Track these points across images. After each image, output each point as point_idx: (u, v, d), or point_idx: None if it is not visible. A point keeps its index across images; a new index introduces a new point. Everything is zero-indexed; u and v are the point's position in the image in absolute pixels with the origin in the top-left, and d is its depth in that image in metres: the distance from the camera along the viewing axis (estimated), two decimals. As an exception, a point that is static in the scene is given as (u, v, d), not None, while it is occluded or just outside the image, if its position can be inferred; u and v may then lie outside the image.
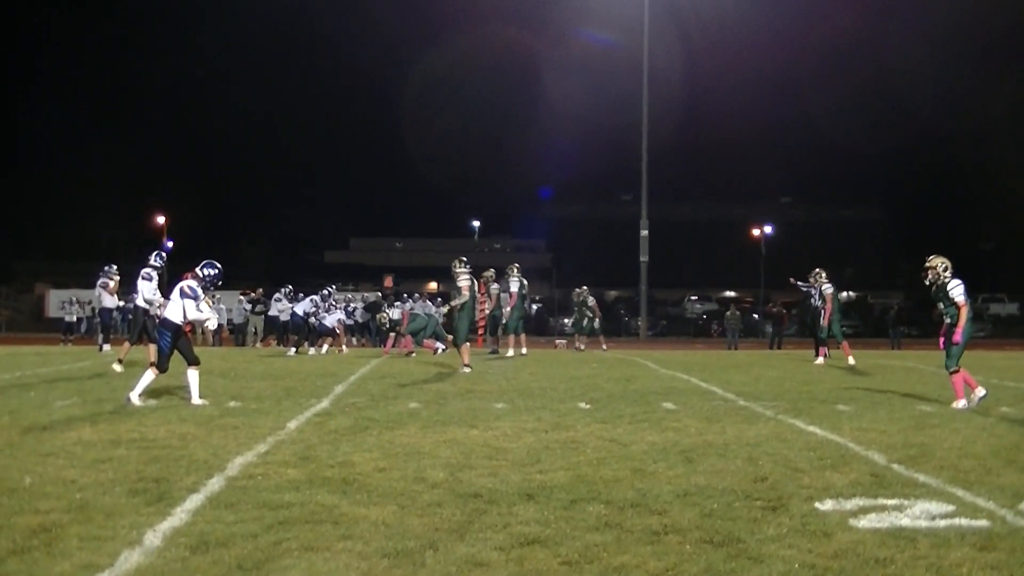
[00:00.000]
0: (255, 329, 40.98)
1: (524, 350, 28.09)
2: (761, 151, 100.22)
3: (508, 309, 28.42)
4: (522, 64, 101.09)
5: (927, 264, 14.93)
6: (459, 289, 21.94)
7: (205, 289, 14.93)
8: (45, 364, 23.02)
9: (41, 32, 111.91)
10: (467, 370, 20.76)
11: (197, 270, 14.86)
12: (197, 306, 14.44)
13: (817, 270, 26.28)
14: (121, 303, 29.87)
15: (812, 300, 29.71)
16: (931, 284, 14.87)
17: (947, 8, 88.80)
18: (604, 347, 35.11)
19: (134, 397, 13.99)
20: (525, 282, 28.78)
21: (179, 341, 14.43)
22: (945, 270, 14.73)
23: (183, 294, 14.38)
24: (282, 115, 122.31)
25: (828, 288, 25.63)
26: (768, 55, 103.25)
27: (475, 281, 22.26)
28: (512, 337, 28.54)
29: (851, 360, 24.66)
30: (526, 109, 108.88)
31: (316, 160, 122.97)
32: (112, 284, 28.78)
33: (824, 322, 25.53)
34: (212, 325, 15.33)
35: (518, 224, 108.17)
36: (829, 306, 25.24)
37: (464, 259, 22.29)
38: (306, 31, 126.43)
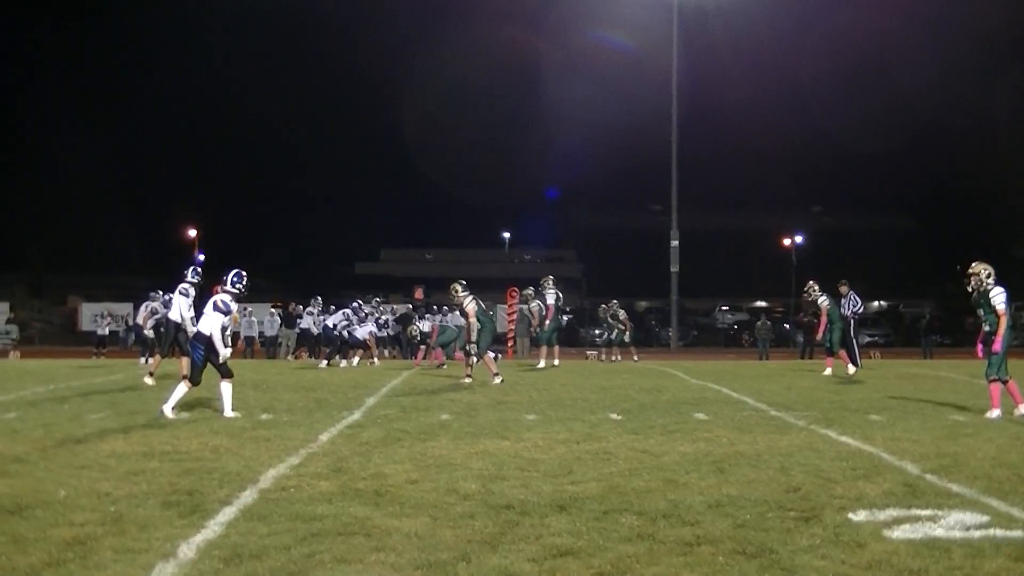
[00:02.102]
0: (287, 342, 41.05)
1: (556, 361, 28.05)
2: (792, 160, 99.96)
3: (546, 321, 28.42)
4: (547, 74, 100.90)
5: (970, 271, 14.82)
6: (466, 315, 21.89)
7: (238, 299, 14.98)
8: (78, 377, 23.12)
9: (74, 48, 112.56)
10: (498, 380, 20.89)
11: (228, 285, 14.87)
12: (225, 320, 14.52)
13: (811, 283, 25.83)
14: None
15: (841, 310, 29.60)
16: (973, 290, 14.76)
17: (979, 17, 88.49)
18: (635, 358, 35.04)
19: (167, 410, 14.04)
20: (560, 294, 28.72)
21: (212, 354, 14.45)
22: (988, 276, 14.62)
23: (215, 307, 14.43)
24: (312, 129, 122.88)
25: (824, 300, 25.20)
26: (798, 64, 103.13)
27: (478, 300, 22.15)
28: (544, 348, 28.51)
29: (828, 371, 24.49)
30: (552, 119, 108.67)
31: (346, 172, 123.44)
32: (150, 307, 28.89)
33: (819, 334, 25.23)
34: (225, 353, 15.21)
35: (547, 233, 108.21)
36: (823, 318, 24.94)
37: (463, 282, 22.35)
38: (337, 44, 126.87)
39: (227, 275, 15.06)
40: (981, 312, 14.68)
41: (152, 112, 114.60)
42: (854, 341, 28.93)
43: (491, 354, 26.68)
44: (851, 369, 23.67)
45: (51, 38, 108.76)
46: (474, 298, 21.86)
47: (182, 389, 14.40)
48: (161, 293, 28.83)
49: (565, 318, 62.47)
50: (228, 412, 14.30)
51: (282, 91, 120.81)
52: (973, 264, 14.84)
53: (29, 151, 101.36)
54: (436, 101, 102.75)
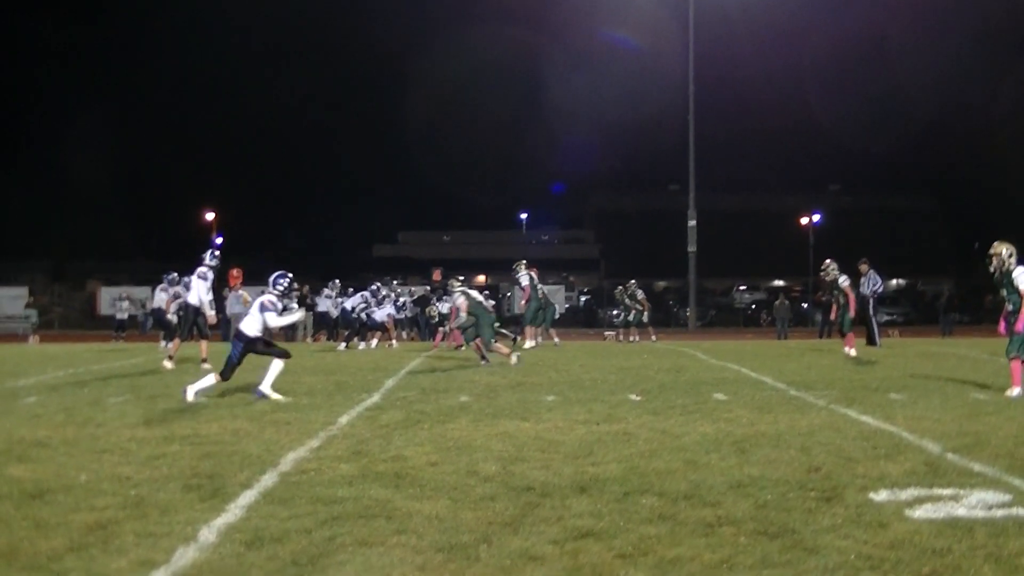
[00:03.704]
0: (304, 325, 41.13)
1: (531, 343, 28.06)
2: (809, 139, 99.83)
3: (523, 302, 28.56)
4: (569, 59, 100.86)
5: (991, 251, 14.72)
6: (459, 308, 22.06)
7: (284, 297, 15.02)
8: (98, 361, 23.19)
9: (94, 34, 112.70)
10: (516, 359, 21.10)
11: (272, 286, 14.87)
12: (278, 314, 14.62)
13: (828, 261, 24.93)
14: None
15: (860, 289, 29.53)
16: (995, 271, 14.69)
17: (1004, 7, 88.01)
18: (653, 338, 35.08)
19: (190, 394, 14.06)
20: (533, 276, 28.57)
21: (257, 349, 14.64)
22: (1010, 256, 14.54)
23: (263, 308, 14.52)
24: (330, 112, 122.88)
25: (845, 280, 24.48)
26: (816, 42, 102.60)
27: (469, 294, 22.32)
28: (529, 329, 28.57)
29: (852, 351, 23.61)
30: (570, 101, 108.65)
31: (364, 155, 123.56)
32: (164, 287, 29.13)
33: (851, 312, 24.54)
34: (299, 316, 15.28)
35: (566, 216, 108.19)
36: (852, 297, 24.47)
37: (461, 278, 22.82)
38: (356, 27, 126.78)
39: (272, 277, 15.09)
40: (1004, 292, 14.61)
41: (170, 97, 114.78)
42: (873, 320, 28.91)
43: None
44: (851, 352, 23.34)
45: (68, 28, 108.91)
46: (465, 292, 22.06)
47: (210, 380, 14.42)
48: (176, 275, 28.98)
49: (582, 299, 62.65)
50: (266, 387, 14.34)
51: (300, 75, 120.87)
52: (995, 244, 14.76)
53: (48, 138, 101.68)
54: (456, 85, 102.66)
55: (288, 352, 15.09)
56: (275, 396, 14.21)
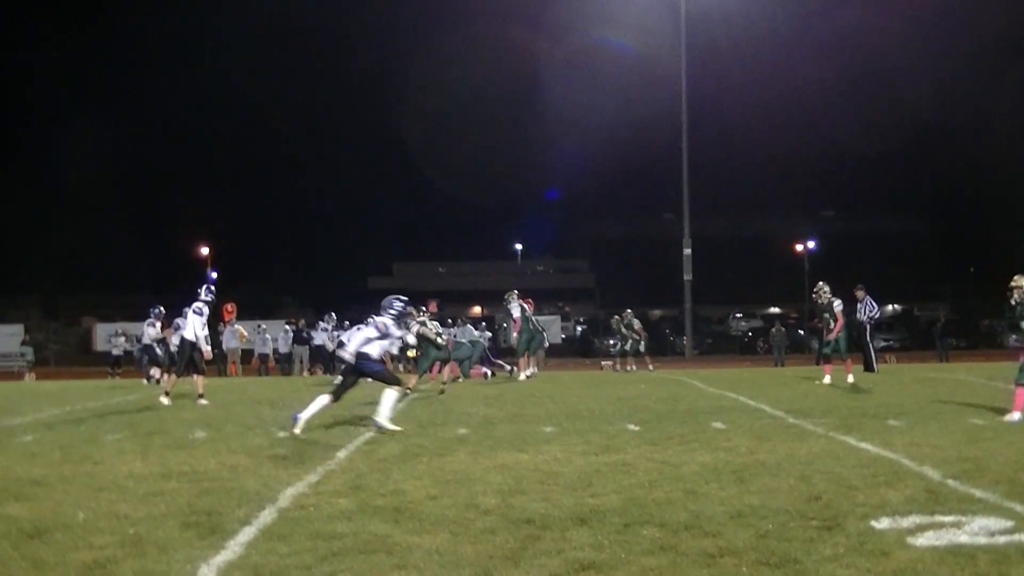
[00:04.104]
0: (300, 359, 41.12)
1: (527, 372, 28.10)
2: (802, 165, 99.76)
3: (515, 334, 28.65)
4: (559, 84, 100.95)
5: (1012, 284, 14.80)
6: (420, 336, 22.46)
7: (400, 318, 15.39)
8: (94, 398, 23.14)
9: (84, 67, 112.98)
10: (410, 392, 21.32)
11: (387, 309, 15.22)
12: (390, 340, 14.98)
13: (820, 284, 24.82)
14: (162, 336, 29.99)
15: (858, 315, 29.54)
16: (1016, 303, 14.75)
17: (992, 17, 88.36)
18: (651, 367, 35.06)
19: (301, 424, 14.19)
20: (525, 306, 28.63)
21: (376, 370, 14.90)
22: None
23: (379, 329, 14.86)
24: (323, 144, 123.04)
25: (839, 305, 24.23)
26: (806, 68, 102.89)
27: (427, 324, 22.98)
28: (522, 360, 28.63)
29: (850, 378, 23.48)
30: (563, 130, 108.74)
31: (357, 187, 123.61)
32: (159, 325, 29.39)
33: (831, 336, 24.37)
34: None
35: (560, 245, 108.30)
36: (840, 321, 24.25)
37: (423, 309, 23.18)
38: (345, 59, 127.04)
39: (386, 301, 15.48)
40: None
41: (162, 130, 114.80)
42: (870, 346, 28.89)
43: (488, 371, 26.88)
44: (850, 377, 23.25)
45: (61, 58, 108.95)
46: (423, 323, 22.68)
47: (323, 401, 14.57)
48: (162, 309, 29.17)
49: (579, 328, 62.62)
50: (382, 419, 14.42)
51: (292, 108, 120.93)
52: (1016, 277, 14.82)
53: (40, 172, 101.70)
54: (444, 111, 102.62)
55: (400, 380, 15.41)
56: (392, 427, 14.32)
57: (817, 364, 38.54)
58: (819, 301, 24.25)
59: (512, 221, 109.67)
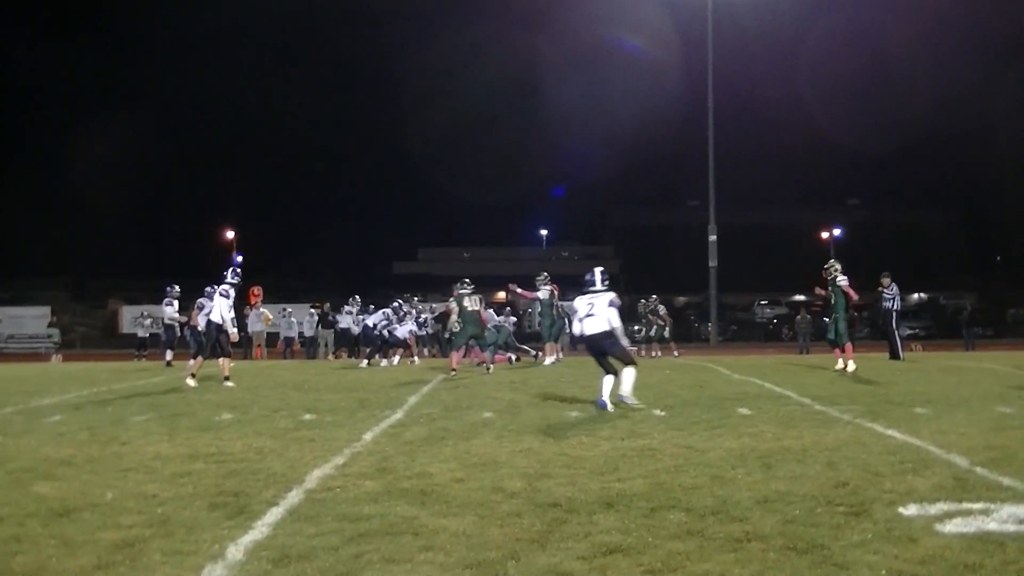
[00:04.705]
0: (325, 342, 41.20)
1: (551, 358, 28.13)
2: (829, 154, 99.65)
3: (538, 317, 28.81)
4: (586, 73, 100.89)
5: None
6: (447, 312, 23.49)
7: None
8: (121, 379, 23.24)
9: (116, 53, 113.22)
10: (452, 374, 23.04)
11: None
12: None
13: (832, 261, 24.31)
14: (184, 319, 30.16)
15: (884, 302, 29.45)
16: None
17: (1018, 10, 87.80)
18: (676, 353, 35.03)
19: (628, 397, 14.84)
20: (554, 291, 28.69)
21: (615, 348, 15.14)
22: None
23: (612, 304, 15.27)
24: (349, 129, 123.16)
25: (843, 280, 23.59)
26: (835, 57, 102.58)
27: (465, 300, 23.73)
28: (548, 345, 28.67)
29: (851, 366, 22.93)
30: (591, 118, 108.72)
31: (383, 172, 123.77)
32: (176, 303, 29.65)
33: (855, 297, 23.49)
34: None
35: (586, 232, 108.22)
36: (853, 295, 23.34)
37: (467, 280, 23.58)
38: (371, 50, 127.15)
39: (593, 274, 15.88)
40: None
41: (190, 115, 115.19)
42: (896, 333, 28.77)
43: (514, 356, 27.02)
44: (846, 364, 22.75)
45: (92, 48, 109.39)
46: (459, 299, 23.40)
47: (631, 373, 15.07)
48: (179, 288, 29.50)
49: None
50: (627, 394, 14.93)
51: (319, 96, 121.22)
52: None
53: (68, 156, 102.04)
54: (473, 101, 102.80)
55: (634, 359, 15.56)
56: (635, 402, 14.81)
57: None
58: (827, 277, 23.78)
59: (538, 207, 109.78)
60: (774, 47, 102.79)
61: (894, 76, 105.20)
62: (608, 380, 14.89)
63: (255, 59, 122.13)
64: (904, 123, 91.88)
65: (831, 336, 23.71)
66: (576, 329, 15.80)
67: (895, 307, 29.32)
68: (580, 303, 15.49)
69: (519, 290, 28.66)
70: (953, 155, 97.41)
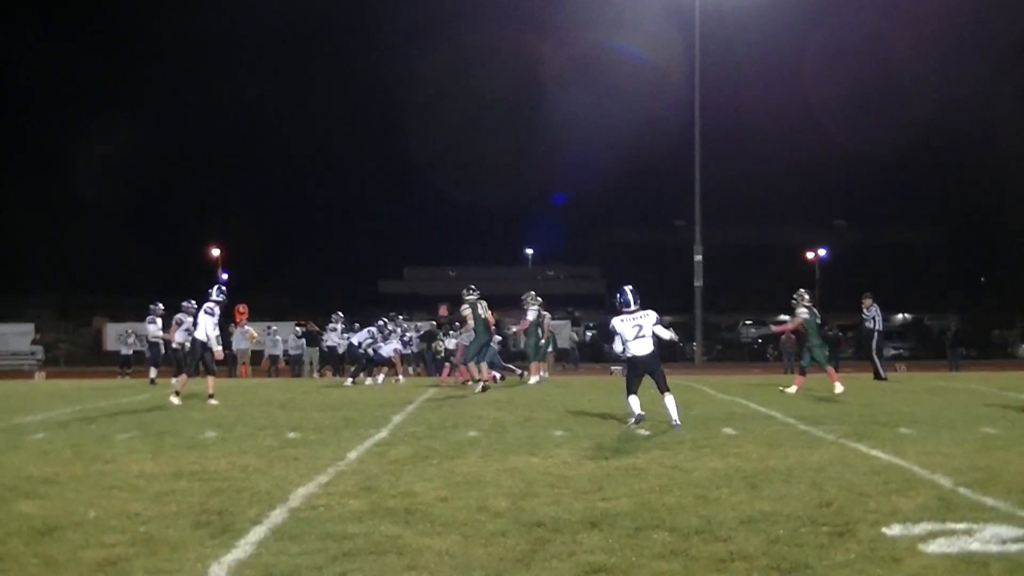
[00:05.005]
0: (311, 360, 41.15)
1: (535, 378, 28.07)
2: (815, 174, 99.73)
3: (523, 337, 28.70)
4: (571, 93, 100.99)
5: None
6: (463, 319, 24.44)
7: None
8: (105, 397, 23.18)
9: (96, 69, 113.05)
10: (477, 388, 23.42)
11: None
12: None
13: (801, 290, 24.28)
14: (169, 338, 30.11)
15: (866, 323, 29.58)
16: None
17: (1009, 28, 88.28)
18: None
19: (676, 420, 14.92)
20: (541, 311, 28.67)
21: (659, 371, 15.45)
22: None
23: (659, 321, 15.63)
24: (334, 147, 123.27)
25: (804, 313, 23.62)
26: (820, 77, 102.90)
27: (479, 307, 23.96)
28: (534, 364, 28.65)
29: (839, 388, 22.51)
30: (576, 137, 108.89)
31: (369, 190, 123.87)
32: (159, 321, 29.68)
33: (778, 329, 23.59)
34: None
35: (571, 251, 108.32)
36: (791, 326, 23.44)
37: (472, 287, 23.68)
38: (358, 64, 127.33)
39: (625, 294, 15.87)
40: None
41: (175, 133, 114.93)
42: (877, 354, 28.86)
43: (499, 375, 27.00)
44: (839, 388, 22.48)
45: (72, 60, 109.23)
46: (473, 306, 23.46)
47: (673, 400, 15.23)
48: (161, 306, 29.48)
49: (588, 334, 62.59)
50: (675, 420, 14.95)
51: (303, 112, 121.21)
52: None
53: (52, 173, 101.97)
54: (455, 116, 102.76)
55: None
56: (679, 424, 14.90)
57: (825, 372, 38.59)
58: (793, 305, 23.75)
59: (523, 226, 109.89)
60: (760, 67, 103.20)
61: (882, 97, 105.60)
62: (635, 400, 15.23)
63: (243, 78, 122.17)
64: (891, 143, 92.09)
65: (804, 363, 23.65)
66: (621, 350, 15.75)
67: (877, 327, 29.42)
68: (624, 326, 15.45)
69: (515, 328, 28.56)
70: (939, 176, 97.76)
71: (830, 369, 23.47)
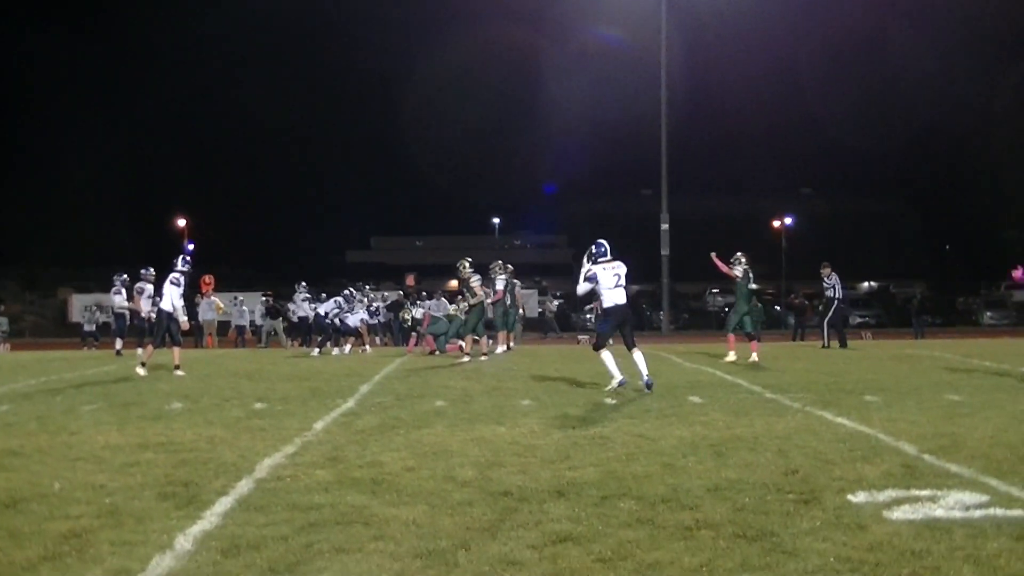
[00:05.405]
0: (273, 331, 41.02)
1: (503, 347, 28.15)
2: (782, 143, 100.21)
3: (490, 303, 28.57)
4: (538, 61, 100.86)
5: None
6: (472, 290, 24.44)
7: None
8: (71, 369, 23.07)
9: (66, 44, 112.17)
10: (465, 359, 23.48)
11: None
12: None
13: (739, 254, 24.17)
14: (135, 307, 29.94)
15: (826, 292, 29.74)
16: None
17: (971, 2, 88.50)
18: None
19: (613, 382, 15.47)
20: (510, 280, 28.67)
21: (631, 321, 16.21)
22: None
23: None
24: (300, 117, 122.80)
25: (738, 271, 23.57)
26: (786, 48, 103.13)
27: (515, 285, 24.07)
28: (501, 334, 28.75)
29: (731, 356, 22.99)
30: (543, 106, 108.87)
31: (336, 160, 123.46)
32: (124, 292, 29.54)
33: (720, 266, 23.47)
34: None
35: (538, 220, 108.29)
36: (729, 271, 23.61)
37: (470, 259, 23.64)
38: (323, 34, 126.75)
39: (602, 244, 16.49)
40: None
41: (142, 104, 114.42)
42: (827, 323, 29.05)
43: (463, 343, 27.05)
44: (731, 356, 22.83)
45: (48, 41, 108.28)
46: (480, 278, 23.49)
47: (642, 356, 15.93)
48: (126, 277, 29.32)
49: (555, 303, 62.65)
50: (646, 376, 15.62)
51: (273, 82, 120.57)
52: None
53: (19, 145, 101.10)
54: (428, 92, 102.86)
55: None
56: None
57: (793, 340, 38.81)
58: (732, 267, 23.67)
59: (490, 196, 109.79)
60: (728, 35, 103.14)
61: (850, 65, 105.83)
62: (611, 359, 15.80)
63: (212, 53, 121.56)
64: (858, 112, 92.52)
65: (729, 329, 23.68)
66: (607, 299, 15.97)
67: (837, 295, 29.60)
68: (605, 274, 15.78)
69: (489, 300, 28.41)
70: (906, 145, 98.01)
71: (731, 336, 23.85)
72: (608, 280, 15.67)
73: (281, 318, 40.73)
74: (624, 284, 15.79)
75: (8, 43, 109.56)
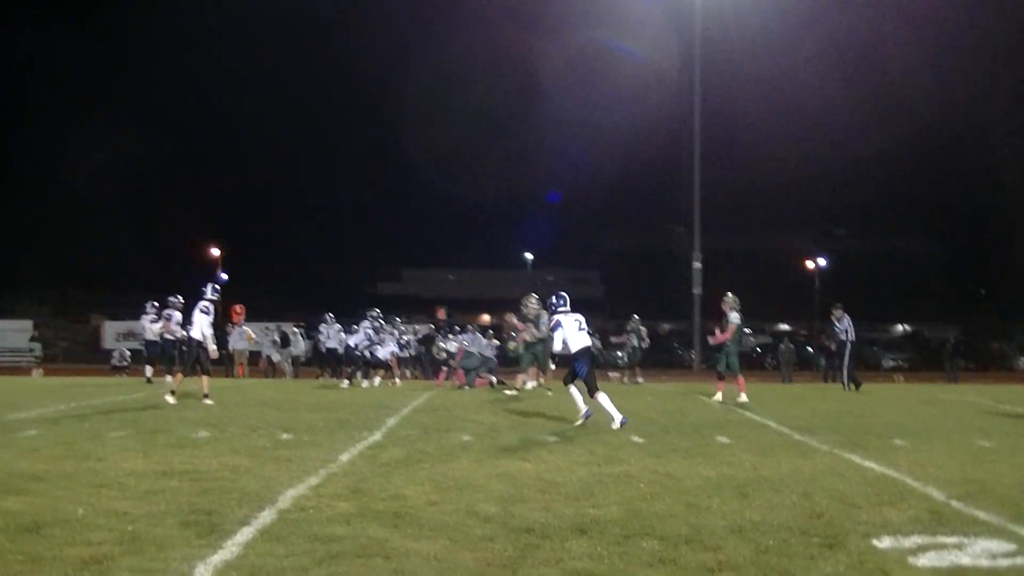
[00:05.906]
0: (289, 360, 41.15)
1: (533, 383, 28.01)
2: (816, 183, 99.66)
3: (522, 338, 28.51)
4: (571, 95, 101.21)
5: None
6: (538, 327, 24.98)
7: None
8: (99, 395, 23.14)
9: (101, 70, 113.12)
10: (549, 393, 24.11)
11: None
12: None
13: (729, 294, 24.31)
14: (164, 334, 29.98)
15: (839, 335, 29.64)
16: None
17: (1014, 40, 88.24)
18: (639, 379, 34.96)
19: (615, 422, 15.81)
20: (541, 313, 28.64)
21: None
22: None
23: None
24: (334, 149, 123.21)
25: (735, 317, 23.81)
26: (820, 85, 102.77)
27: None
28: (532, 369, 28.60)
29: (743, 397, 22.79)
30: (579, 144, 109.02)
31: (368, 192, 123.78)
32: (153, 318, 29.57)
33: (713, 341, 23.53)
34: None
35: (570, 256, 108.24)
36: (728, 333, 23.46)
37: (536, 296, 23.87)
38: (358, 68, 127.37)
39: (562, 296, 17.40)
40: None
41: (177, 132, 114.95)
42: (847, 364, 28.92)
43: (495, 379, 27.03)
44: (743, 397, 22.65)
45: (72, 58, 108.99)
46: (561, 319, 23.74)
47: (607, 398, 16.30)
48: (156, 304, 29.35)
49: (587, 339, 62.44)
50: (615, 422, 15.88)
51: (303, 113, 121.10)
52: None
53: (53, 170, 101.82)
54: (454, 119, 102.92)
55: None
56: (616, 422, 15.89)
57: (824, 382, 38.60)
58: (724, 307, 23.64)
59: (520, 228, 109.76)
60: (760, 74, 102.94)
61: (882, 105, 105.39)
62: (602, 397, 16.24)
63: (242, 80, 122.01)
64: (892, 152, 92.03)
65: (720, 369, 23.61)
66: (561, 345, 16.88)
67: (849, 338, 29.48)
68: (567, 320, 16.73)
69: (527, 336, 28.19)
70: (940, 186, 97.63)
71: (740, 379, 23.49)
72: (571, 326, 16.68)
73: (291, 348, 40.85)
74: (588, 330, 17.00)
75: (42, 66, 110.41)
